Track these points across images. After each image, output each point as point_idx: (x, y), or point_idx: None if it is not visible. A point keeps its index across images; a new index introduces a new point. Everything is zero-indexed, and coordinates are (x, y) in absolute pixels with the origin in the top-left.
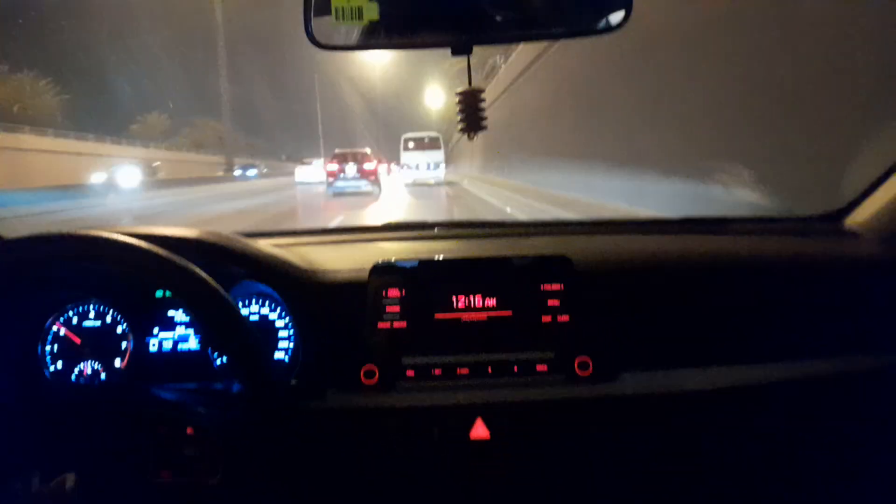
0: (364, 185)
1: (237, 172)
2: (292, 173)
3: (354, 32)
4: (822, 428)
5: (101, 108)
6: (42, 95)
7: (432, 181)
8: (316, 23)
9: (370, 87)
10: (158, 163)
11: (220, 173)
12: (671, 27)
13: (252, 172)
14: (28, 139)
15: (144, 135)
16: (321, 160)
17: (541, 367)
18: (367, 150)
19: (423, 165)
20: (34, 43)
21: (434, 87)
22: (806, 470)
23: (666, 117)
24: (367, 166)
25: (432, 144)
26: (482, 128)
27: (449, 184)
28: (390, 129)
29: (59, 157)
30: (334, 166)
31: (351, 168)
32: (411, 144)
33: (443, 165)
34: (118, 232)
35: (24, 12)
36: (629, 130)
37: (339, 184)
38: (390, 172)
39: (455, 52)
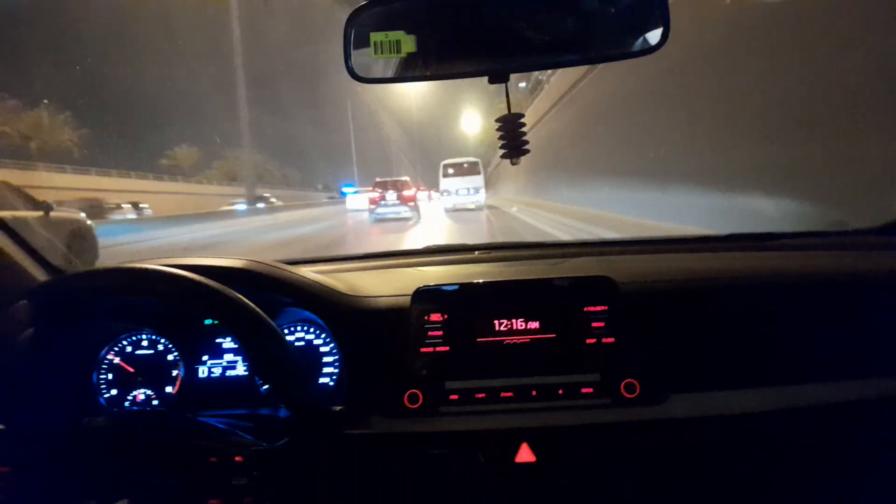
0: (404, 211)
1: (237, 205)
2: (323, 204)
3: (393, 65)
4: (881, 449)
5: (128, 142)
6: (62, 129)
7: (472, 206)
8: (355, 56)
9: (407, 115)
10: (146, 205)
11: (226, 207)
12: (708, 46)
13: (242, 207)
14: (44, 176)
15: (174, 169)
16: (366, 189)
17: (586, 390)
18: (406, 178)
19: (463, 191)
20: (56, 77)
21: (470, 111)
22: (865, 493)
23: (703, 132)
24: (407, 193)
25: (471, 170)
26: (524, 152)
27: (489, 207)
28: (428, 155)
29: (76, 193)
30: (376, 194)
31: (391, 195)
32: (451, 170)
33: (482, 190)
34: (166, 264)
35: (47, 45)
36: (667, 148)
37: (381, 210)
38: (431, 199)
39: (493, 81)
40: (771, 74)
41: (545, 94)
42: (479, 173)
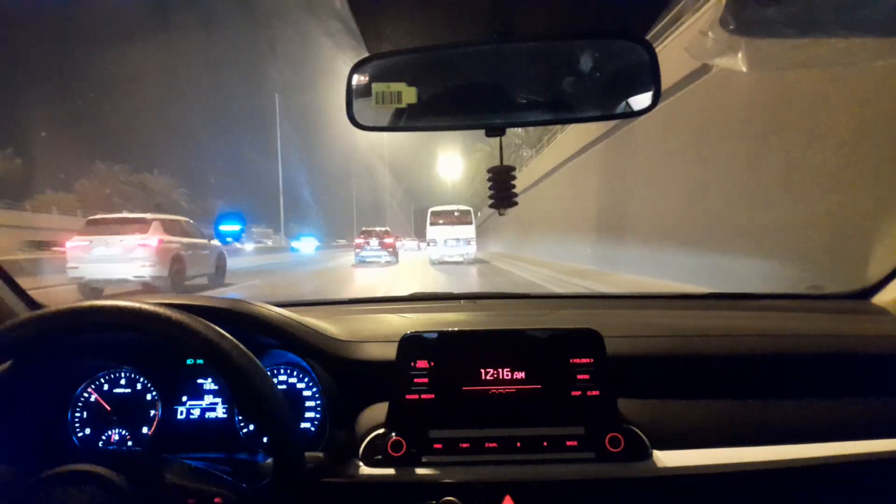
0: (384, 256)
1: None
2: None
3: (393, 114)
4: None
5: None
6: None
7: (461, 259)
8: (357, 105)
9: (399, 163)
10: None
11: None
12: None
13: None
14: None
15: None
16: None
17: (571, 443)
18: (387, 229)
19: (452, 241)
20: None
21: (457, 158)
22: None
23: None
24: (387, 241)
25: (462, 218)
26: (513, 203)
27: (478, 262)
28: (416, 200)
29: None
30: (361, 240)
31: (374, 242)
32: (440, 219)
33: (474, 242)
34: (152, 302)
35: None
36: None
37: (363, 253)
38: (420, 249)
39: (489, 134)
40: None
41: (545, 154)
42: (470, 223)
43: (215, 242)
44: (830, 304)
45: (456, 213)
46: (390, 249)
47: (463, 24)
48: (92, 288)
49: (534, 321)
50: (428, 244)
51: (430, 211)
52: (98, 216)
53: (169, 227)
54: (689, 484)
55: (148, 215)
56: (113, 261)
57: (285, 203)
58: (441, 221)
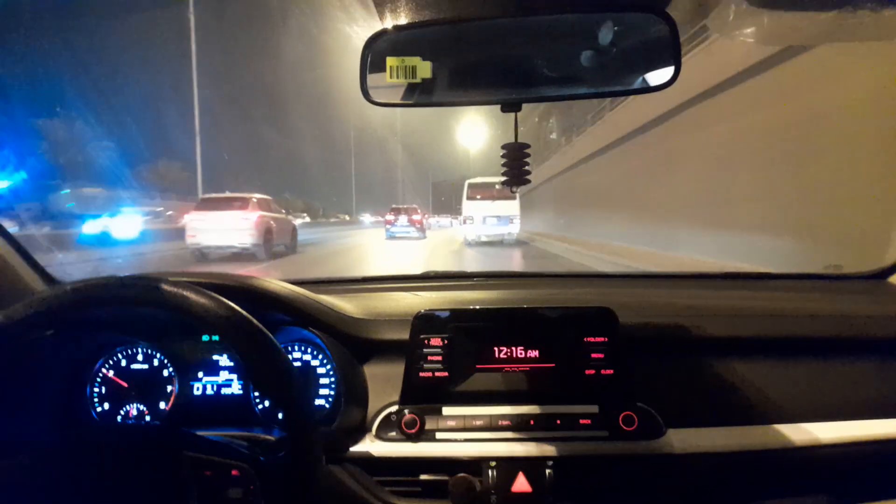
0: (412, 231)
1: None
2: None
3: (407, 89)
4: (866, 490)
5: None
6: None
7: (502, 238)
8: (371, 80)
9: (413, 138)
10: None
11: None
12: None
13: None
14: None
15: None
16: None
17: (584, 422)
18: (416, 206)
19: (492, 220)
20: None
21: (480, 126)
22: None
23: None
24: (415, 217)
25: (504, 192)
26: (525, 181)
27: (518, 242)
28: (435, 173)
29: None
30: (391, 217)
31: (403, 218)
32: (477, 193)
33: (517, 220)
34: (170, 278)
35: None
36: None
37: (393, 229)
38: (452, 226)
39: (505, 109)
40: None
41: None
42: (514, 197)
43: (290, 218)
44: (847, 285)
45: (497, 187)
46: (418, 226)
47: None
48: (203, 253)
49: (547, 299)
50: (463, 221)
51: (466, 183)
52: (209, 196)
53: (262, 205)
54: (703, 463)
55: (247, 195)
56: (221, 231)
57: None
58: (479, 196)
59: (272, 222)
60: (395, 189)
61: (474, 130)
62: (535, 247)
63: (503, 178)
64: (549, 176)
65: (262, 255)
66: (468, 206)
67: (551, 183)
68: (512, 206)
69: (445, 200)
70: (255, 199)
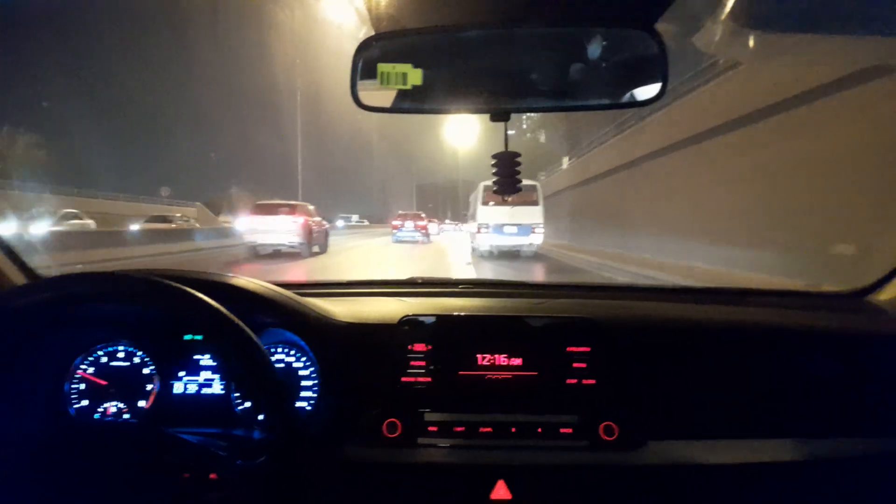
0: (418, 236)
1: None
2: None
3: (397, 96)
4: None
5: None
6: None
7: (519, 251)
8: (361, 86)
9: (395, 130)
10: None
11: None
12: None
13: None
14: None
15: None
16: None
17: (565, 431)
18: (422, 213)
19: (511, 228)
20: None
21: (473, 122)
22: None
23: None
24: (420, 223)
25: (525, 197)
26: (517, 190)
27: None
28: (421, 174)
29: None
30: (398, 222)
31: (409, 224)
32: (495, 198)
33: (540, 229)
34: (154, 274)
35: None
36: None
37: (400, 234)
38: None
39: (494, 119)
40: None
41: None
42: (536, 202)
43: (324, 222)
44: (828, 302)
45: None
46: (423, 231)
47: (471, 6)
48: (256, 250)
49: (532, 309)
50: (477, 230)
51: (481, 186)
52: (263, 202)
53: (306, 211)
54: (682, 475)
55: (294, 202)
56: (273, 232)
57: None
58: (493, 200)
59: (313, 225)
60: (369, 191)
61: (464, 128)
62: (554, 259)
63: (522, 182)
64: (564, 186)
65: (305, 252)
66: (483, 213)
67: (565, 193)
68: (534, 213)
69: (433, 207)
70: (300, 205)
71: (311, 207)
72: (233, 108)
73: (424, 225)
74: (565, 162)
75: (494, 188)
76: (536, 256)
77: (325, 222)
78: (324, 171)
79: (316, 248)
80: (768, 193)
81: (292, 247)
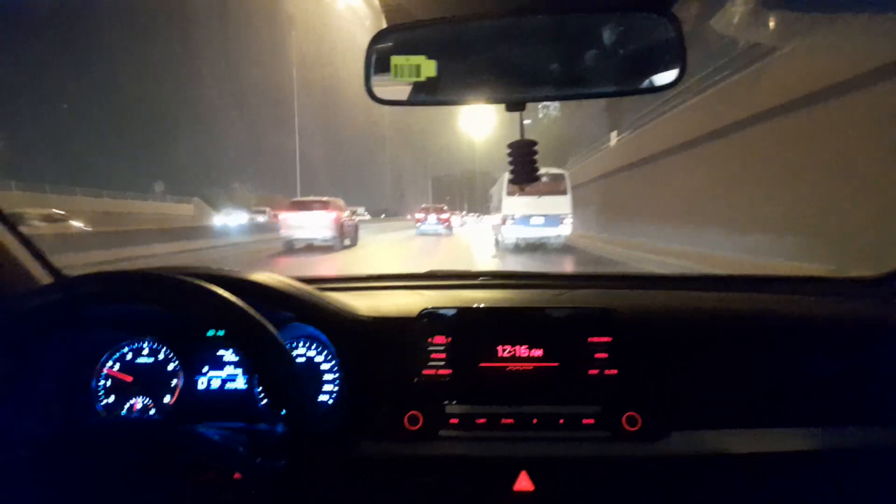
0: (441, 228)
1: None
2: None
3: (411, 88)
4: (874, 499)
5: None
6: None
7: (546, 242)
8: (375, 79)
9: (410, 122)
10: None
11: None
12: None
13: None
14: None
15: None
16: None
17: (587, 422)
18: (444, 206)
19: (538, 219)
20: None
21: (492, 112)
22: None
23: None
24: (443, 216)
25: (553, 186)
26: (535, 179)
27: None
28: (437, 167)
29: None
30: (422, 215)
31: (432, 217)
32: (520, 186)
33: (569, 219)
34: (176, 272)
35: None
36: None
37: (424, 227)
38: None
39: (510, 109)
40: None
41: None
42: (565, 192)
43: (354, 217)
44: (851, 289)
45: (544, 179)
46: (446, 223)
47: None
48: (292, 243)
49: (552, 300)
50: (503, 221)
51: (506, 175)
52: (297, 199)
53: (338, 207)
54: (706, 465)
55: (326, 198)
56: (307, 227)
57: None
58: (521, 191)
59: (344, 220)
60: (383, 184)
61: (479, 118)
62: (583, 250)
63: (545, 170)
64: (593, 176)
65: (337, 245)
66: (509, 203)
67: (592, 182)
68: (562, 203)
69: (450, 199)
70: (332, 201)
71: (342, 202)
72: (227, 98)
73: (447, 217)
74: (613, 138)
75: (550, 172)
76: (565, 248)
77: (354, 217)
78: (332, 165)
79: (347, 241)
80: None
81: (325, 241)
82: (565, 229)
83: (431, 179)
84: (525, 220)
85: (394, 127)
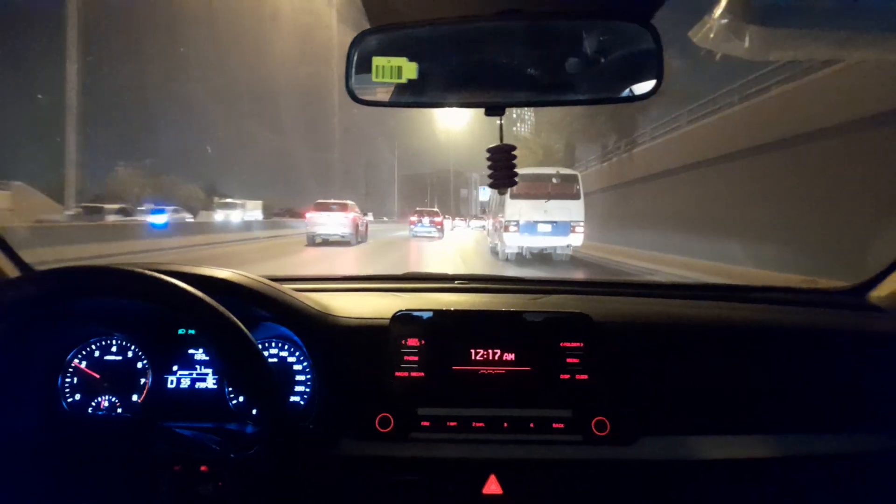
0: (433, 231)
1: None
2: None
3: (392, 89)
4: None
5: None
6: None
7: (552, 253)
8: (356, 80)
9: (400, 138)
10: None
11: None
12: None
13: None
14: None
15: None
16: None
17: (557, 425)
18: (437, 209)
19: (545, 226)
20: None
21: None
22: None
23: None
24: (436, 220)
25: (563, 189)
26: (513, 183)
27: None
28: (406, 162)
29: None
30: (415, 218)
31: (426, 220)
32: (527, 190)
33: (581, 228)
34: (148, 268)
35: None
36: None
37: (417, 229)
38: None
39: (489, 113)
40: None
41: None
42: (577, 195)
43: (365, 217)
44: (826, 299)
45: (554, 181)
46: (439, 227)
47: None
48: (314, 239)
49: (527, 304)
50: (505, 228)
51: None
52: (321, 201)
53: (354, 208)
54: (674, 470)
55: (344, 201)
56: (329, 225)
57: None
58: (527, 193)
59: (359, 219)
60: (330, 180)
61: (453, 113)
62: (594, 262)
63: (555, 171)
64: (604, 186)
65: (354, 241)
66: (513, 208)
67: (600, 190)
68: (573, 209)
69: (427, 202)
70: (349, 204)
71: (354, 204)
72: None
73: (440, 221)
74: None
75: (560, 172)
76: (583, 260)
77: (365, 217)
78: (286, 160)
79: (360, 239)
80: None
81: (343, 237)
82: (576, 239)
83: (398, 178)
84: (531, 227)
85: (364, 120)
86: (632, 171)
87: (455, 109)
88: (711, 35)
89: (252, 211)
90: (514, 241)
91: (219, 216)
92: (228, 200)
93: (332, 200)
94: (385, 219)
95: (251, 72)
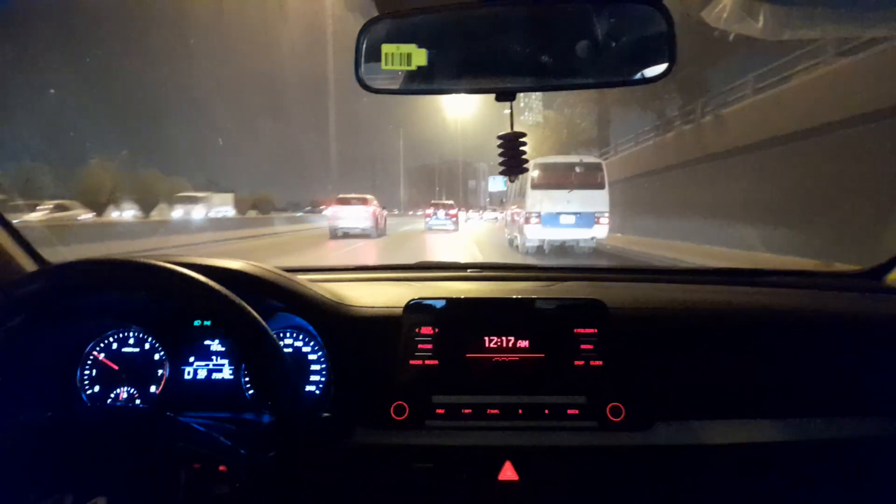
0: (448, 224)
1: None
2: None
3: (401, 77)
4: (854, 490)
5: None
6: None
7: (575, 245)
8: (366, 68)
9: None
10: None
11: None
12: None
13: None
14: None
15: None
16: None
17: (572, 412)
18: (452, 202)
19: (569, 217)
20: None
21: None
22: None
23: None
24: (451, 212)
25: (587, 178)
26: (524, 170)
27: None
28: (416, 154)
29: None
30: (431, 211)
31: (440, 212)
32: (551, 179)
33: (605, 217)
34: (164, 260)
35: None
36: None
37: (432, 222)
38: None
39: (499, 99)
40: None
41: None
42: (601, 185)
43: (384, 211)
44: (841, 282)
45: (578, 170)
46: (454, 219)
47: None
48: (337, 231)
49: (539, 291)
50: (526, 220)
51: (533, 164)
52: (342, 195)
53: (373, 202)
54: (689, 456)
55: (364, 195)
56: (350, 218)
57: None
58: (548, 183)
59: (378, 213)
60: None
61: (462, 101)
62: (620, 254)
63: (578, 159)
64: (631, 174)
65: (374, 234)
66: (535, 198)
67: (623, 179)
68: (598, 199)
69: (435, 194)
70: (369, 198)
71: (373, 198)
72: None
73: (455, 213)
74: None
75: (584, 161)
76: (610, 252)
77: (384, 211)
78: (289, 152)
79: (379, 232)
80: None
81: (364, 230)
82: (601, 230)
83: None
84: (553, 218)
85: (369, 112)
86: (677, 154)
87: (463, 99)
88: (725, 15)
89: (220, 206)
90: (536, 234)
91: (176, 213)
92: (189, 194)
93: (353, 195)
94: (396, 211)
95: (253, 62)
